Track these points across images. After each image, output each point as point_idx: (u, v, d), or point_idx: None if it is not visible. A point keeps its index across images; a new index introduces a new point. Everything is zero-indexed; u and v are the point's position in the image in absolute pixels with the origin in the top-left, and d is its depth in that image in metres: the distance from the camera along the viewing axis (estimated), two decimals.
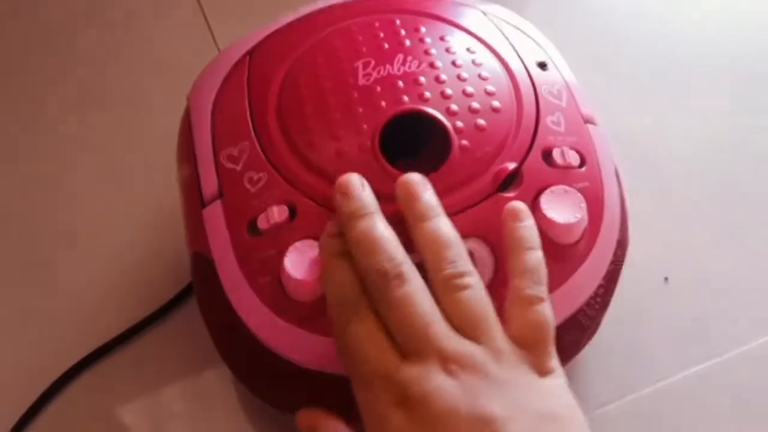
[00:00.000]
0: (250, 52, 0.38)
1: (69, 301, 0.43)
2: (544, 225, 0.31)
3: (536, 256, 0.29)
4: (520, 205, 0.31)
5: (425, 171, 0.31)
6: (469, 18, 0.39)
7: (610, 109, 0.39)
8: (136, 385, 0.40)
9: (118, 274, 0.44)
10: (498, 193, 0.32)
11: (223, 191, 0.33)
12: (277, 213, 0.31)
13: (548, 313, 0.28)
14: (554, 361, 0.27)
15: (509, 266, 0.29)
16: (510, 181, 0.32)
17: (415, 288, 0.27)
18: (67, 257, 0.45)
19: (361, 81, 0.34)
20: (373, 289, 0.27)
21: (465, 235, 0.30)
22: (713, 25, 0.58)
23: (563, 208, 0.31)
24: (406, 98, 0.33)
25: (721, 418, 0.39)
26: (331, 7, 0.39)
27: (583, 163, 0.34)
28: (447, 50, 0.36)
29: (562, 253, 0.32)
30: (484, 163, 0.32)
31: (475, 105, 0.34)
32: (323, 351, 0.30)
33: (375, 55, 0.35)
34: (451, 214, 0.30)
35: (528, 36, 0.39)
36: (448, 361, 0.25)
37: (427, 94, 0.33)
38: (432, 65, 0.35)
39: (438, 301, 0.27)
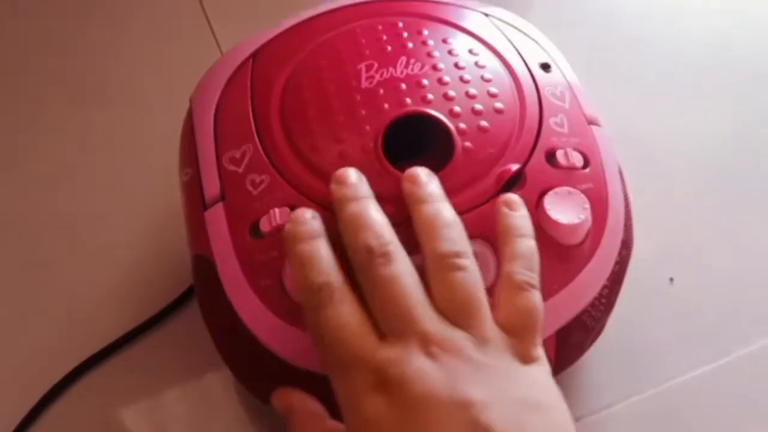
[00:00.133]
0: (254, 55, 0.38)
1: (69, 303, 0.43)
2: (548, 226, 0.31)
3: (529, 244, 0.29)
4: (513, 196, 0.31)
5: None
6: (472, 20, 0.39)
7: (615, 110, 0.39)
8: (137, 387, 0.40)
9: (118, 276, 0.44)
10: (501, 195, 0.32)
11: (225, 194, 0.33)
12: (280, 215, 0.31)
13: (538, 301, 0.28)
14: (539, 350, 0.27)
15: (500, 253, 0.29)
16: (513, 182, 0.32)
17: (402, 268, 0.27)
18: (68, 259, 0.45)
19: (364, 83, 0.34)
20: (358, 267, 0.27)
21: (468, 237, 0.30)
22: (718, 26, 0.58)
23: (567, 210, 0.31)
24: (408, 100, 0.33)
25: (727, 418, 0.39)
26: (334, 10, 0.39)
27: (586, 164, 0.33)
28: (450, 52, 0.36)
29: (566, 254, 0.32)
30: (488, 165, 0.32)
31: (478, 107, 0.33)
32: None
33: (378, 57, 0.35)
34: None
35: (530, 38, 0.39)
36: (429, 344, 0.25)
37: (430, 96, 0.33)
38: (435, 67, 0.35)
39: (429, 280, 0.27)
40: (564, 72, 0.37)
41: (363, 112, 0.33)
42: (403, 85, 0.34)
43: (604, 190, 0.33)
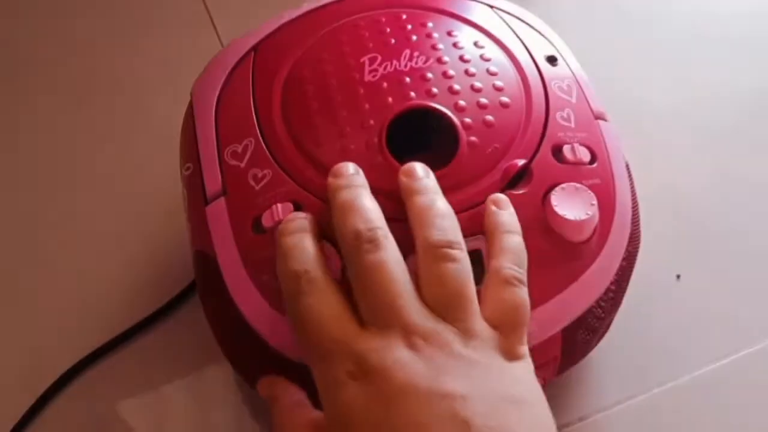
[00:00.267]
0: (255, 48, 0.37)
1: (71, 298, 0.43)
2: (554, 222, 0.31)
3: (517, 240, 0.29)
4: (501, 196, 0.30)
5: (433, 168, 0.31)
6: (477, 12, 0.38)
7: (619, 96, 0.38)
8: (138, 381, 0.40)
9: (119, 272, 0.44)
10: (507, 191, 0.31)
11: (227, 189, 0.33)
12: (282, 211, 0.31)
13: (525, 297, 0.27)
14: (525, 348, 0.27)
15: (488, 250, 0.29)
16: (519, 177, 0.32)
17: (389, 256, 0.26)
18: (69, 255, 0.45)
19: (368, 77, 0.33)
20: (345, 253, 0.27)
21: (473, 233, 0.30)
22: None
23: (574, 206, 0.31)
24: (413, 94, 0.33)
25: (735, 417, 0.39)
26: (336, 2, 0.39)
27: (593, 159, 0.33)
28: (455, 45, 0.35)
29: (572, 251, 0.31)
30: (493, 160, 0.32)
31: (484, 101, 0.33)
32: None
33: (381, 50, 0.35)
34: (460, 211, 0.30)
35: (536, 30, 0.39)
36: (411, 336, 0.25)
37: (435, 89, 0.33)
38: (439, 60, 0.34)
39: (418, 269, 0.27)
40: (570, 65, 0.37)
41: (366, 106, 0.33)
42: (408, 79, 0.33)
43: (611, 186, 0.33)
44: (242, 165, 0.33)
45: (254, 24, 0.39)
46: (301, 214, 0.29)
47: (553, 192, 0.31)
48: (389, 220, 0.28)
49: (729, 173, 0.48)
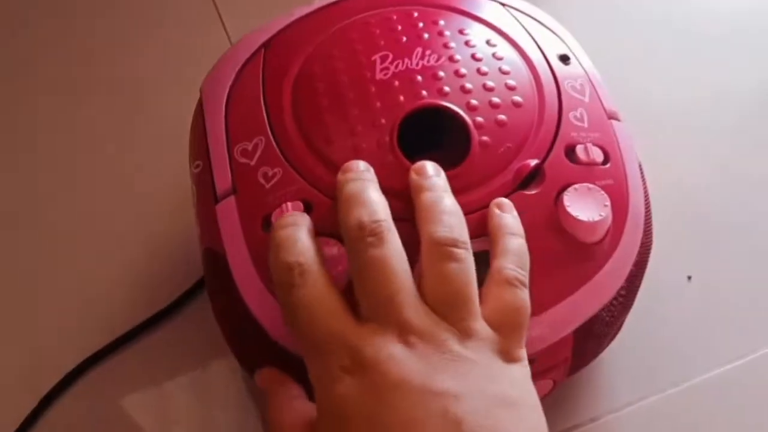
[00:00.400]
0: (265, 44, 0.37)
1: (78, 295, 0.43)
2: (567, 223, 0.30)
3: (520, 242, 0.29)
4: (504, 200, 0.30)
5: (444, 167, 0.30)
6: (489, 10, 0.38)
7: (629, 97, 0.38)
8: (145, 379, 0.40)
9: (122, 271, 0.44)
10: (519, 191, 0.31)
11: (237, 187, 0.32)
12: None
13: (526, 299, 0.27)
14: (522, 351, 0.27)
15: (491, 251, 0.28)
16: (532, 178, 0.31)
17: (391, 251, 0.26)
18: (76, 252, 0.45)
19: (379, 75, 0.33)
20: (348, 245, 0.27)
21: (485, 233, 0.30)
22: None
23: (587, 206, 0.31)
24: (424, 93, 0.33)
25: (747, 419, 0.38)
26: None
27: (606, 159, 0.33)
28: (466, 43, 0.35)
29: (585, 253, 0.31)
30: (505, 160, 0.32)
31: (496, 100, 0.33)
32: None
33: (393, 48, 0.34)
34: (471, 211, 0.30)
35: (548, 28, 0.38)
36: (407, 333, 0.25)
37: (447, 88, 0.33)
38: (451, 59, 0.34)
39: (422, 265, 0.26)
40: (583, 64, 0.36)
41: (378, 104, 0.32)
42: (419, 77, 0.33)
43: (624, 187, 0.32)
44: (252, 163, 0.33)
45: (263, 21, 0.39)
46: (298, 212, 0.29)
47: (565, 192, 0.31)
48: (398, 220, 0.28)
49: (739, 173, 0.48)
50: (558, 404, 0.38)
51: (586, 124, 0.33)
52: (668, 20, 0.57)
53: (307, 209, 0.31)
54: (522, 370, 0.26)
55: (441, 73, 0.33)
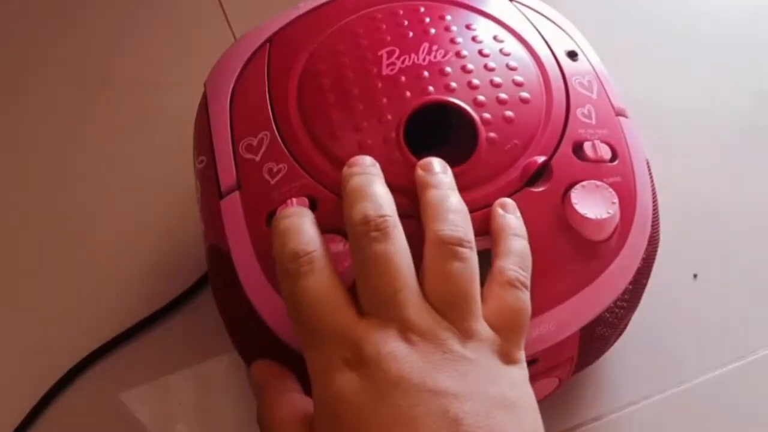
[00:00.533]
0: (270, 39, 0.37)
1: (81, 290, 0.43)
2: (574, 221, 0.30)
3: (522, 243, 0.29)
4: (508, 200, 0.30)
5: (451, 164, 0.30)
6: (496, 5, 0.38)
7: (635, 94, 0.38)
8: (148, 374, 0.40)
9: (129, 266, 0.44)
10: (526, 188, 0.31)
11: (242, 183, 0.32)
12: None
13: (527, 301, 0.27)
14: (522, 353, 0.26)
15: (493, 251, 0.28)
16: (539, 175, 0.31)
17: (396, 247, 0.26)
18: (80, 247, 0.45)
19: (385, 70, 0.33)
20: (352, 239, 0.26)
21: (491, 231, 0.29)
22: None
23: (595, 204, 0.30)
24: (431, 89, 0.32)
25: (751, 419, 0.38)
26: None
27: (614, 156, 0.32)
28: (473, 39, 0.35)
29: (592, 251, 0.31)
30: (513, 157, 0.31)
31: (504, 96, 0.32)
32: None
33: (399, 43, 0.34)
34: (478, 208, 0.30)
35: (556, 24, 0.38)
36: (408, 331, 0.24)
37: (454, 84, 0.32)
38: (458, 54, 0.34)
39: (425, 263, 0.26)
40: (591, 60, 0.36)
41: (384, 100, 0.32)
42: (426, 73, 0.33)
43: (632, 184, 0.32)
44: (257, 159, 0.32)
45: (267, 16, 0.39)
46: (299, 206, 0.29)
47: (573, 190, 0.31)
48: (404, 216, 0.27)
49: (746, 171, 0.47)
50: (561, 403, 0.38)
51: (593, 121, 0.33)
52: (666, 20, 0.56)
53: (312, 205, 0.30)
54: (521, 372, 0.26)
55: (448, 69, 0.33)
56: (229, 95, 0.35)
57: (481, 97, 0.32)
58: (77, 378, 0.40)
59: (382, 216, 0.26)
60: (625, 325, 0.35)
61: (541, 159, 0.31)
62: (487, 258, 0.28)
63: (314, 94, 0.33)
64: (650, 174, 0.34)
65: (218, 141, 0.34)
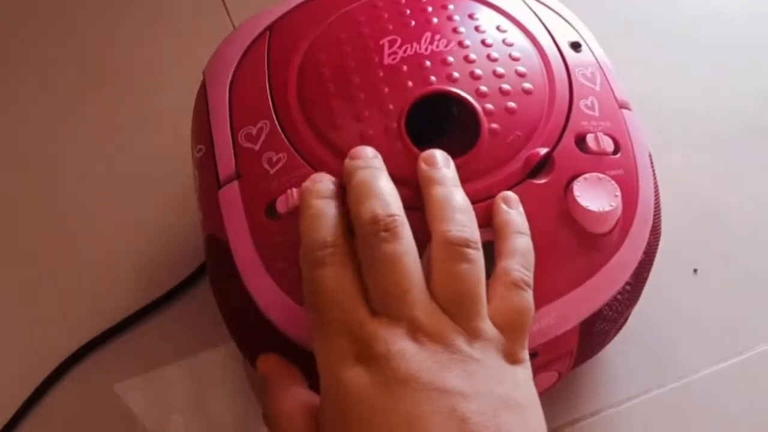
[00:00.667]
0: (270, 27, 0.36)
1: (77, 281, 0.43)
2: (576, 213, 0.30)
3: (526, 241, 0.29)
4: (511, 194, 0.30)
5: (453, 155, 0.30)
6: None
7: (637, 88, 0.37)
8: (145, 365, 0.39)
9: (126, 256, 0.44)
10: (528, 180, 0.31)
11: (241, 172, 0.32)
12: (297, 196, 0.30)
13: (531, 302, 0.27)
14: (526, 353, 0.27)
15: (497, 248, 0.28)
16: (541, 167, 0.31)
17: (405, 247, 0.26)
18: (78, 237, 0.45)
19: (387, 60, 0.33)
20: (360, 236, 0.26)
21: (491, 224, 0.29)
22: None
23: (597, 196, 0.30)
24: (433, 78, 0.32)
25: (749, 414, 0.38)
26: None
27: (617, 149, 0.32)
28: (476, 29, 0.34)
29: (593, 243, 0.30)
30: (515, 148, 0.31)
31: (506, 86, 0.32)
32: None
33: (401, 33, 0.34)
34: (479, 200, 0.29)
35: (560, 15, 0.38)
36: (417, 331, 0.25)
37: (456, 74, 0.32)
38: (461, 44, 0.33)
39: (432, 262, 0.26)
40: (594, 52, 0.36)
41: (386, 89, 0.32)
42: (428, 63, 0.32)
43: (634, 177, 0.32)
44: (256, 148, 0.32)
45: (267, 4, 0.38)
46: (328, 176, 0.29)
47: (575, 182, 0.30)
48: (407, 208, 0.27)
49: (747, 167, 0.47)
50: (559, 397, 0.38)
51: (596, 113, 0.33)
52: (666, 20, 0.56)
53: None
54: (525, 372, 0.26)
55: (450, 59, 0.33)
56: (228, 84, 0.35)
57: (483, 88, 0.32)
58: (73, 369, 0.40)
59: (391, 215, 0.26)
60: (625, 320, 0.35)
61: (543, 151, 0.31)
62: (488, 250, 0.28)
63: (315, 83, 0.33)
64: (653, 167, 0.34)
65: (217, 130, 0.34)
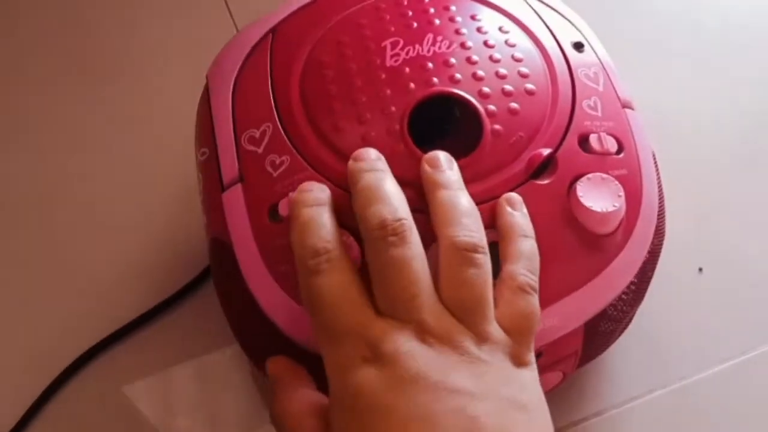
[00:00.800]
0: (273, 30, 0.36)
1: (84, 282, 0.43)
2: (579, 214, 0.30)
3: (531, 244, 0.29)
4: (515, 195, 0.30)
5: (456, 156, 0.30)
6: None
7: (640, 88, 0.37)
8: (151, 367, 0.40)
9: (131, 259, 0.44)
10: (531, 180, 0.31)
11: (244, 175, 0.32)
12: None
13: (537, 305, 0.27)
14: (531, 355, 0.27)
15: (502, 251, 0.28)
16: (544, 167, 0.31)
17: (413, 251, 0.26)
18: (82, 239, 0.45)
19: (389, 62, 0.33)
20: (368, 241, 0.26)
21: (494, 225, 0.29)
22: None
23: (600, 197, 0.30)
24: (436, 80, 0.32)
25: (754, 414, 0.38)
26: None
27: (620, 149, 0.32)
28: (478, 30, 0.34)
29: (597, 244, 0.30)
30: (518, 149, 0.31)
31: (509, 87, 0.32)
32: None
33: (404, 34, 0.34)
34: (482, 201, 0.29)
35: (562, 15, 0.37)
36: (425, 333, 0.25)
37: (458, 75, 0.32)
38: (463, 46, 0.33)
39: (440, 267, 0.26)
40: (597, 52, 0.36)
41: (388, 91, 0.32)
42: (430, 64, 0.32)
43: (638, 177, 0.32)
44: (260, 151, 0.32)
45: (270, 7, 0.38)
46: (318, 185, 0.29)
47: (578, 182, 0.30)
48: (411, 210, 0.27)
49: (751, 166, 0.47)
50: (563, 397, 0.38)
51: (599, 113, 0.33)
52: (665, 19, 0.56)
53: None
54: (531, 375, 0.26)
55: (452, 60, 0.33)
56: (232, 87, 0.35)
57: (486, 89, 0.32)
58: (80, 370, 0.40)
59: (399, 220, 0.26)
60: (630, 320, 0.35)
61: (546, 151, 0.31)
62: (493, 251, 0.28)
63: (317, 85, 0.33)
64: (656, 166, 0.34)
65: (220, 133, 0.34)
